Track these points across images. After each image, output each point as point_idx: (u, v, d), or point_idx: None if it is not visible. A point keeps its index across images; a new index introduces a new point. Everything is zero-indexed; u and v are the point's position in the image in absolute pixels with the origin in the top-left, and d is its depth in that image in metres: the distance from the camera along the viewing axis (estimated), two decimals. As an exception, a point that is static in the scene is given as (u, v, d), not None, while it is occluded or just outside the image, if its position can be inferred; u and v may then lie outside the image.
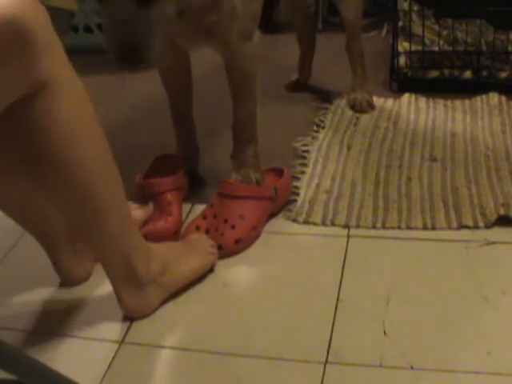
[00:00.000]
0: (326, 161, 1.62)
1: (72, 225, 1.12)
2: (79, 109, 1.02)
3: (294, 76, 2.02)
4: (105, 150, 1.07)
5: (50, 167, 1.02)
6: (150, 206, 1.42)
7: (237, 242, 1.34)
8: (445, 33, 1.94)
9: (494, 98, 1.85)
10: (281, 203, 1.46)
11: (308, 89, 2.01)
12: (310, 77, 2.01)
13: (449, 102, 1.87)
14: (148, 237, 1.27)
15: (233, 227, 1.35)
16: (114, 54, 1.11)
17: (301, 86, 2.02)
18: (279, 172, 1.50)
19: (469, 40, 1.91)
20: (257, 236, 1.38)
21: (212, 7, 1.25)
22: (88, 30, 2.42)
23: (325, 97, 1.94)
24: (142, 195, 1.43)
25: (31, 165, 1.04)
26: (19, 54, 0.90)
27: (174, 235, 1.38)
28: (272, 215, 1.44)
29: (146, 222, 1.39)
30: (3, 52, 0.88)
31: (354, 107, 1.88)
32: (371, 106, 1.88)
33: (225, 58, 1.39)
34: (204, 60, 1.45)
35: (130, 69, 1.14)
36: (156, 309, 1.20)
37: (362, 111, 1.87)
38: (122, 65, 1.12)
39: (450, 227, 1.36)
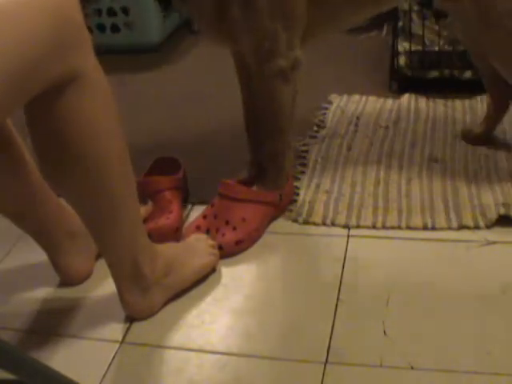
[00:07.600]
0: (325, 161, 1.62)
1: (85, 222, 1.11)
2: (103, 105, 1.02)
3: (477, 128, 1.67)
4: (123, 149, 1.07)
5: (70, 160, 1.01)
6: (149, 204, 1.42)
7: (237, 242, 1.34)
8: (445, 33, 1.94)
9: (494, 98, 1.84)
10: (283, 207, 1.46)
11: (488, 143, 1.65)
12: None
13: (449, 102, 1.87)
14: (151, 234, 1.27)
15: (234, 229, 1.35)
16: None
17: (479, 139, 1.65)
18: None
19: (469, 40, 1.92)
20: (258, 237, 1.38)
21: (219, 10, 1.24)
22: (88, 30, 2.41)
23: (325, 97, 1.93)
24: (140, 193, 1.43)
25: (51, 157, 1.03)
26: (58, 42, 0.91)
27: (176, 232, 1.38)
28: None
29: (145, 220, 1.39)
30: (45, 37, 0.89)
31: None
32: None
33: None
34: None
35: None
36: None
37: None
38: None
39: (449, 227, 1.36)
